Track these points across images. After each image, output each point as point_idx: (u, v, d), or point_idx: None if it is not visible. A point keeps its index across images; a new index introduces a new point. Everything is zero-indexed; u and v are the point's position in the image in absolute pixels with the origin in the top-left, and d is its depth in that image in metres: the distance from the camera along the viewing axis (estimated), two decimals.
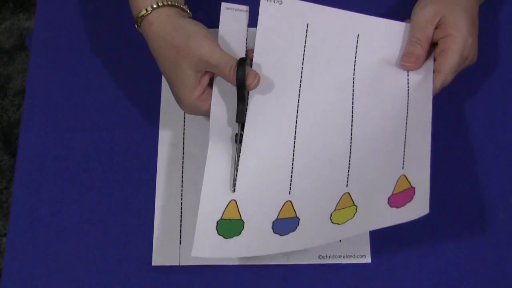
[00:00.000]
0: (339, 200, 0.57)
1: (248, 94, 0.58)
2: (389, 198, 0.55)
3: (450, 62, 0.58)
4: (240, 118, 0.58)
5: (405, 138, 0.57)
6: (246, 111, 0.59)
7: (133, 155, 0.63)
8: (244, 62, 0.55)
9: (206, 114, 0.59)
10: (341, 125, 0.60)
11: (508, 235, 0.60)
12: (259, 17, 0.60)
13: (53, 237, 0.60)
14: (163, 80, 0.66)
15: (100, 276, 0.59)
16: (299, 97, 0.60)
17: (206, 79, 0.58)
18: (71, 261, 0.59)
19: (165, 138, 0.64)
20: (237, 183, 0.57)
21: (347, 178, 0.58)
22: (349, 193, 0.57)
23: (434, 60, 0.60)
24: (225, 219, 0.56)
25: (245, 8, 0.62)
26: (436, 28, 0.60)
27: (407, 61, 0.60)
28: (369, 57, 0.62)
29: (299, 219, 0.56)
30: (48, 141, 0.64)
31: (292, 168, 0.58)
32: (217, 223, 0.56)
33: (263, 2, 0.61)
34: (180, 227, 0.60)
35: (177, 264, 0.59)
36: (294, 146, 0.59)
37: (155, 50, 0.57)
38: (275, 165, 0.58)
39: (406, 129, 0.58)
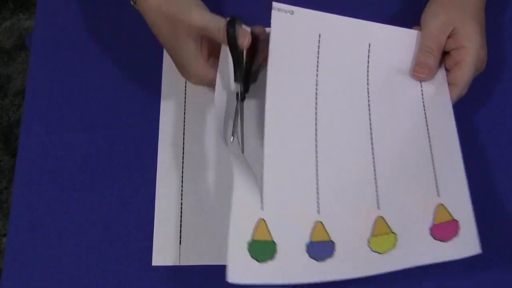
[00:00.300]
0: (374, 225, 0.55)
1: (242, 55, 0.58)
2: (430, 229, 0.54)
3: (465, 75, 0.58)
4: (239, 78, 0.58)
5: (432, 160, 0.57)
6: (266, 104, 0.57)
7: (133, 155, 0.63)
8: (234, 23, 0.55)
9: (212, 83, 0.59)
10: (360, 138, 0.59)
11: (509, 235, 0.60)
12: (271, 27, 0.59)
13: (53, 237, 0.60)
14: (163, 80, 0.66)
15: (100, 276, 0.59)
16: (316, 109, 0.59)
17: (206, 47, 0.59)
18: (71, 261, 0.59)
19: (165, 138, 0.64)
20: (264, 201, 0.55)
21: (377, 199, 0.56)
22: (383, 218, 0.55)
23: (446, 70, 0.60)
24: (256, 241, 0.53)
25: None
26: (448, 37, 0.59)
27: (420, 71, 0.60)
28: (381, 66, 0.61)
29: (334, 243, 0.54)
30: (48, 141, 0.64)
31: (317, 186, 0.56)
32: (248, 244, 0.53)
33: (275, 13, 0.60)
34: (180, 227, 0.60)
35: (177, 264, 0.59)
36: (316, 163, 0.57)
37: (153, 25, 0.58)
38: (299, 183, 0.56)
39: (431, 149, 0.57)
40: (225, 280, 0.58)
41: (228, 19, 0.56)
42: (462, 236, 0.52)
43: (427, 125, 0.59)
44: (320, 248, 0.54)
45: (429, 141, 0.58)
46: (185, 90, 0.66)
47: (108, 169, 0.63)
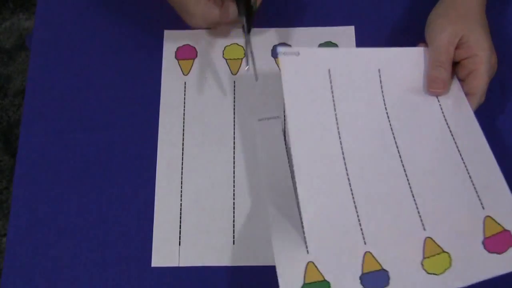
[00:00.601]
0: (424, 246, 0.54)
1: None
2: (483, 243, 0.53)
3: (481, 83, 0.58)
4: (242, 12, 0.61)
5: (468, 173, 0.56)
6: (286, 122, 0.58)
7: (133, 155, 0.63)
8: None
9: (217, 21, 0.61)
10: (390, 162, 0.58)
11: None
12: (281, 73, 0.59)
13: (53, 237, 0.60)
14: (163, 80, 0.66)
15: (100, 276, 0.59)
16: (341, 144, 0.58)
17: None
18: (71, 261, 0.59)
19: (165, 138, 0.64)
20: (309, 244, 0.54)
21: (421, 220, 0.55)
22: (431, 238, 0.54)
23: (460, 80, 0.60)
24: (309, 283, 0.52)
25: (277, 115, 0.64)
26: (456, 48, 0.59)
27: (435, 87, 0.60)
28: (395, 89, 0.61)
29: (388, 272, 0.53)
30: (48, 141, 0.64)
31: (358, 218, 0.55)
32: None
33: (282, 57, 0.59)
34: (180, 227, 0.60)
35: (176, 265, 0.59)
36: (352, 195, 0.56)
37: None
38: (340, 217, 0.55)
39: (464, 162, 0.57)
40: (225, 280, 0.58)
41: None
42: None
43: (453, 138, 0.58)
44: (374, 278, 0.53)
45: (460, 154, 0.57)
46: (185, 90, 0.66)
47: (108, 169, 0.63)
